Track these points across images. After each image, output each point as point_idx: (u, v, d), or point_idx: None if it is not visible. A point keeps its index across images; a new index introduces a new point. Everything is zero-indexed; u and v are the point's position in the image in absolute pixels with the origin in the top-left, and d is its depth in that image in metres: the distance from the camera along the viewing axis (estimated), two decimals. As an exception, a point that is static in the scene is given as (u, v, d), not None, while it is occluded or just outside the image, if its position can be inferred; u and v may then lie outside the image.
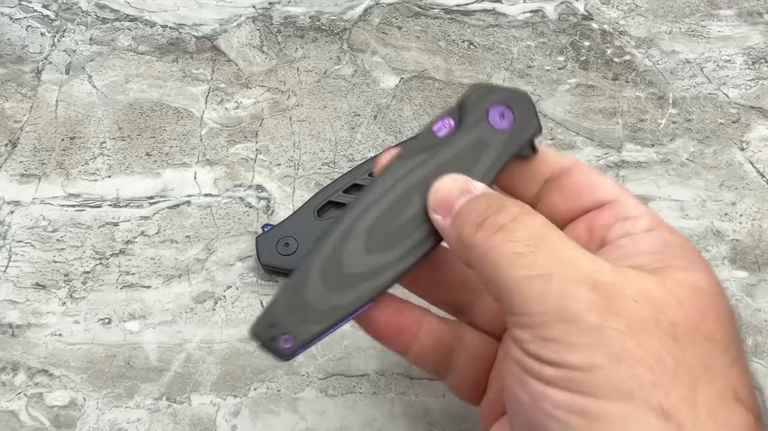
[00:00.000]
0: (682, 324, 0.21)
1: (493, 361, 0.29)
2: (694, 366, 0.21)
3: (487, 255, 0.23)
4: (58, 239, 0.40)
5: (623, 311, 0.21)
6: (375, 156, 0.41)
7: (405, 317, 0.29)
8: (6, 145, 0.44)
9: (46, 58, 0.48)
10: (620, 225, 0.26)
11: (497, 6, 0.52)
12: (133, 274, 0.39)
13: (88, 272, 0.39)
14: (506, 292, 0.23)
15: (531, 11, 0.51)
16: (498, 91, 0.28)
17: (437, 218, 0.26)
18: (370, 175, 0.41)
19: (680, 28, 0.51)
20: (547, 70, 0.48)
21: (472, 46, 0.49)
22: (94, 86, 0.47)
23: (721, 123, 0.46)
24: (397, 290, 0.28)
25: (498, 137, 0.27)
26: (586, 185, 0.27)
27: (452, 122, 0.28)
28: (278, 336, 0.26)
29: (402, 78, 0.47)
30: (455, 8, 0.51)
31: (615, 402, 0.20)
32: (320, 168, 0.43)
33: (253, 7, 0.51)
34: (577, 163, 0.28)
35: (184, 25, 0.50)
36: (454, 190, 0.26)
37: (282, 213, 0.41)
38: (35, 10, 0.50)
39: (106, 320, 0.38)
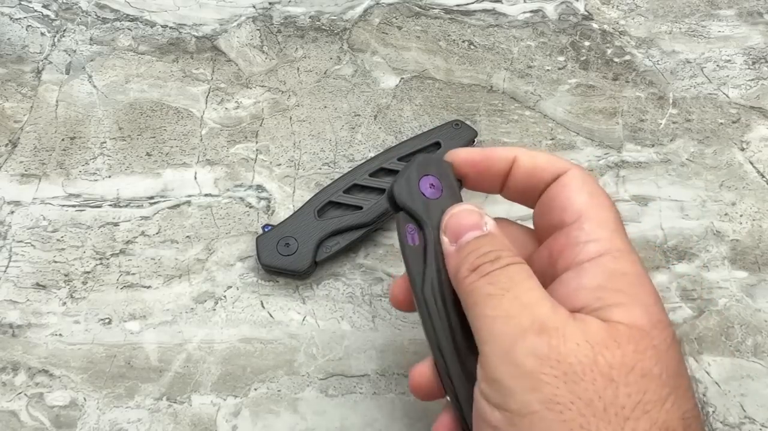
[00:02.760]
0: (618, 365, 0.23)
1: None
2: (626, 405, 0.23)
3: (471, 295, 0.26)
4: (58, 239, 0.40)
5: (563, 356, 0.23)
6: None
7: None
8: (6, 145, 0.44)
9: (46, 58, 0.48)
10: (569, 252, 0.27)
11: (497, 6, 0.52)
12: (133, 274, 0.39)
13: (88, 272, 0.39)
14: (476, 329, 0.25)
15: (531, 11, 0.51)
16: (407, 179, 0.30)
17: (444, 239, 0.28)
18: (371, 175, 0.41)
19: (680, 28, 0.51)
20: (547, 70, 0.48)
21: (472, 46, 0.49)
22: (95, 86, 0.47)
23: (721, 123, 0.46)
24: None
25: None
26: (558, 203, 0.28)
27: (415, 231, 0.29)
28: None
29: (402, 78, 0.47)
30: (455, 8, 0.51)
31: None
32: (320, 168, 0.43)
33: (253, 7, 0.51)
34: (566, 173, 0.29)
35: (185, 25, 0.50)
36: (467, 221, 0.28)
37: (282, 213, 0.41)
38: (35, 10, 0.50)
39: (107, 321, 0.38)
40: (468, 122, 0.44)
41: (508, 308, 0.25)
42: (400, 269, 0.39)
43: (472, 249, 0.27)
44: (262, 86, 0.47)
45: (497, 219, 0.29)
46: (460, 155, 0.31)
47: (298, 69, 0.48)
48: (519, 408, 0.23)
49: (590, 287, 0.25)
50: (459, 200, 0.30)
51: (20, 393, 0.35)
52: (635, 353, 0.23)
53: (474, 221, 0.28)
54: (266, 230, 0.39)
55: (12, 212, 0.41)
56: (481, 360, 0.25)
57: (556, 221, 0.28)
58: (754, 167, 0.44)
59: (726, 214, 0.42)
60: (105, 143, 0.44)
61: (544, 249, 0.28)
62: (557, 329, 0.24)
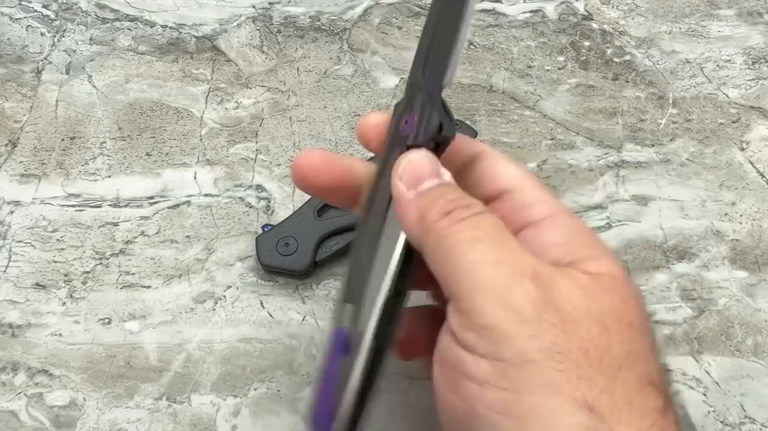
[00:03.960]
0: (609, 313, 0.23)
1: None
2: (619, 354, 0.22)
3: (446, 239, 0.24)
4: (58, 239, 0.40)
5: (559, 303, 0.22)
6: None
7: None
8: (6, 145, 0.44)
9: (46, 58, 0.48)
10: (518, 215, 0.26)
11: (497, 6, 0.52)
12: (133, 274, 0.39)
13: (88, 272, 0.39)
14: (457, 275, 0.23)
15: (531, 11, 0.51)
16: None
17: (400, 185, 0.26)
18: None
19: (680, 28, 0.51)
20: (547, 70, 0.48)
21: (472, 46, 0.49)
22: (94, 86, 0.47)
23: (721, 123, 0.46)
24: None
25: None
26: (488, 175, 0.28)
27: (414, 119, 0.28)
28: None
29: (402, 78, 0.47)
30: (455, 8, 0.51)
31: (544, 398, 0.21)
32: (320, 168, 0.43)
33: (253, 7, 0.51)
34: (484, 150, 0.29)
35: (184, 25, 0.50)
36: (426, 168, 0.26)
37: (282, 213, 0.41)
38: (35, 10, 0.50)
39: (106, 320, 0.38)
40: (468, 122, 0.44)
41: (498, 253, 0.23)
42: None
43: (438, 194, 0.25)
44: (262, 86, 0.47)
45: None
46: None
47: (298, 69, 0.48)
48: (514, 356, 0.22)
49: (556, 243, 0.25)
50: None
51: (20, 393, 0.35)
52: (621, 302, 0.23)
53: (433, 168, 0.26)
54: (266, 230, 0.39)
55: (12, 212, 0.41)
56: (463, 307, 0.23)
57: (489, 192, 0.28)
58: (754, 166, 0.44)
59: (726, 214, 0.42)
60: (105, 143, 0.44)
61: None
62: (549, 275, 0.23)
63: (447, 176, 0.26)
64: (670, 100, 0.47)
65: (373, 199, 0.28)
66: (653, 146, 0.45)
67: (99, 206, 0.41)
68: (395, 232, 0.26)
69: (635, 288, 0.24)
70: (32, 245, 0.40)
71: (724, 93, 0.48)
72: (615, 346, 0.22)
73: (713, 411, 0.36)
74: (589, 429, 0.21)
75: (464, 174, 0.28)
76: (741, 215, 0.42)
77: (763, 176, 0.44)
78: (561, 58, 0.49)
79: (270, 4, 0.51)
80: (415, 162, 0.26)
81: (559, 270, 0.24)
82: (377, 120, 0.29)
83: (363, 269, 0.27)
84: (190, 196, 0.42)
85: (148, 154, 0.44)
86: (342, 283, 0.29)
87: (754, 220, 0.42)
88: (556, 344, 0.22)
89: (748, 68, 0.49)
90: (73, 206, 0.41)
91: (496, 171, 0.28)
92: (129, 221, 0.41)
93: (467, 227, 0.24)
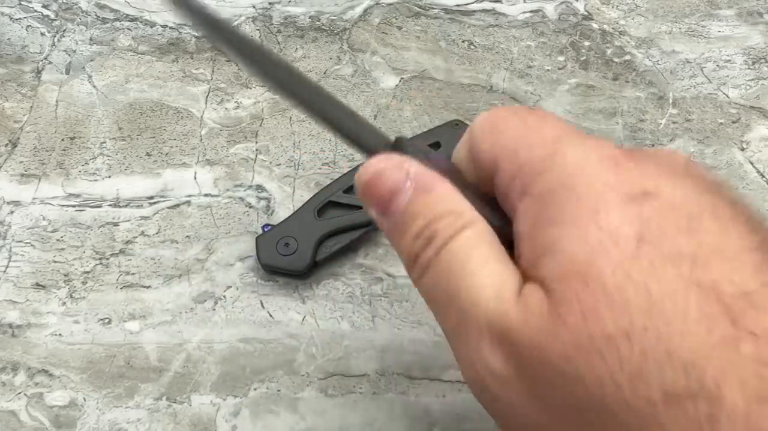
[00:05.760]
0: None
1: None
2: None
3: (443, 273, 0.21)
4: (58, 239, 0.40)
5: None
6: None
7: None
8: (6, 145, 0.44)
9: (46, 58, 0.48)
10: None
11: (497, 6, 0.52)
12: (133, 274, 0.39)
13: (88, 272, 0.39)
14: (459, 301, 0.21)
15: (531, 11, 0.51)
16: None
17: (373, 213, 0.23)
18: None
19: (680, 28, 0.51)
20: (547, 70, 0.48)
21: (472, 46, 0.49)
22: (94, 86, 0.47)
23: (721, 123, 0.46)
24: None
25: None
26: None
27: None
28: None
29: (402, 78, 0.47)
30: (455, 8, 0.51)
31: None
32: (320, 168, 0.43)
33: (253, 7, 0.51)
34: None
35: (184, 24, 0.50)
36: (388, 179, 0.22)
37: (282, 213, 0.41)
38: (35, 10, 0.50)
39: (106, 320, 0.38)
40: (468, 122, 0.44)
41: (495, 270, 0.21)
42: (400, 269, 0.39)
43: (411, 216, 0.22)
44: (262, 86, 0.47)
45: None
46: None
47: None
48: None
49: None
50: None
51: (20, 393, 0.35)
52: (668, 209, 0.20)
53: (394, 179, 0.22)
54: (266, 230, 0.39)
55: (12, 212, 0.41)
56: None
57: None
58: (754, 167, 0.44)
59: (726, 214, 0.42)
60: (105, 143, 0.44)
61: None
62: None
63: (412, 172, 0.22)
64: (670, 100, 0.47)
65: None
66: (653, 145, 0.45)
67: (99, 206, 0.41)
68: None
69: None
70: (32, 245, 0.40)
71: (724, 93, 0.48)
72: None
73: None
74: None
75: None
76: (741, 215, 0.42)
77: (763, 176, 0.44)
78: (561, 58, 0.49)
79: (270, 4, 0.51)
80: (372, 181, 0.22)
81: None
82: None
83: None
84: (190, 196, 0.42)
85: (148, 154, 0.44)
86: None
87: (754, 220, 0.42)
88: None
89: (748, 68, 0.49)
90: (73, 206, 0.41)
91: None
92: (129, 221, 0.41)
93: (457, 250, 0.21)
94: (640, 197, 0.20)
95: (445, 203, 0.22)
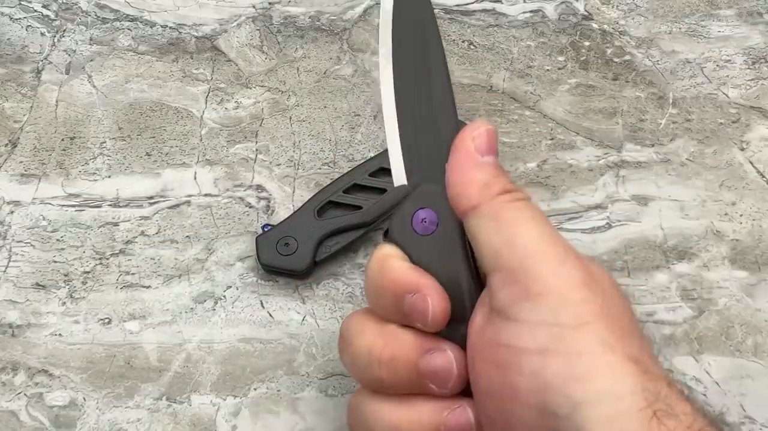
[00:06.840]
0: (616, 286, 0.27)
1: None
2: (633, 318, 0.26)
3: (508, 212, 0.26)
4: (58, 239, 0.40)
5: (596, 275, 0.25)
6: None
7: None
8: (6, 145, 0.44)
9: (46, 58, 0.48)
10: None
11: (497, 6, 0.52)
12: (133, 274, 0.39)
13: (88, 272, 0.39)
14: (513, 246, 0.26)
15: (531, 11, 0.51)
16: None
17: (471, 146, 0.28)
18: (370, 175, 0.41)
19: (680, 28, 0.51)
20: (547, 70, 0.48)
21: (472, 46, 0.49)
22: (94, 86, 0.47)
23: (721, 123, 0.46)
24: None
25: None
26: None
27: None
28: None
29: (402, 78, 0.47)
30: (455, 8, 0.51)
31: (603, 356, 0.24)
32: (320, 168, 0.43)
33: (253, 7, 0.51)
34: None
35: (184, 25, 0.50)
36: (493, 146, 0.28)
37: (282, 213, 0.41)
38: (35, 10, 0.50)
39: (106, 320, 0.38)
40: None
41: (550, 234, 0.26)
42: (399, 269, 0.39)
43: (500, 173, 0.27)
44: (262, 86, 0.47)
45: None
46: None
47: (297, 69, 0.48)
48: (571, 320, 0.24)
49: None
50: (453, 236, 0.28)
51: (20, 393, 0.35)
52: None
53: (495, 150, 0.28)
54: (266, 229, 0.39)
55: (12, 212, 0.41)
56: (518, 277, 0.25)
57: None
58: (754, 166, 0.44)
59: (726, 214, 0.42)
60: (105, 143, 0.44)
61: None
62: (583, 256, 0.26)
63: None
64: (670, 100, 0.47)
65: None
66: (653, 145, 0.45)
67: (99, 206, 0.41)
68: None
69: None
70: (32, 245, 0.40)
71: (724, 93, 0.48)
72: (629, 312, 0.26)
73: (713, 411, 0.36)
74: (643, 380, 0.23)
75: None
76: (741, 215, 0.42)
77: (763, 176, 0.44)
78: (561, 58, 0.49)
79: (270, 4, 0.51)
80: (490, 135, 0.28)
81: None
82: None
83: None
84: (190, 196, 0.42)
85: (148, 154, 0.44)
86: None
87: (754, 220, 0.42)
88: (603, 307, 0.24)
89: (748, 68, 0.49)
90: (73, 206, 0.41)
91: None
92: (129, 221, 0.41)
93: (525, 208, 0.26)
94: None
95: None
